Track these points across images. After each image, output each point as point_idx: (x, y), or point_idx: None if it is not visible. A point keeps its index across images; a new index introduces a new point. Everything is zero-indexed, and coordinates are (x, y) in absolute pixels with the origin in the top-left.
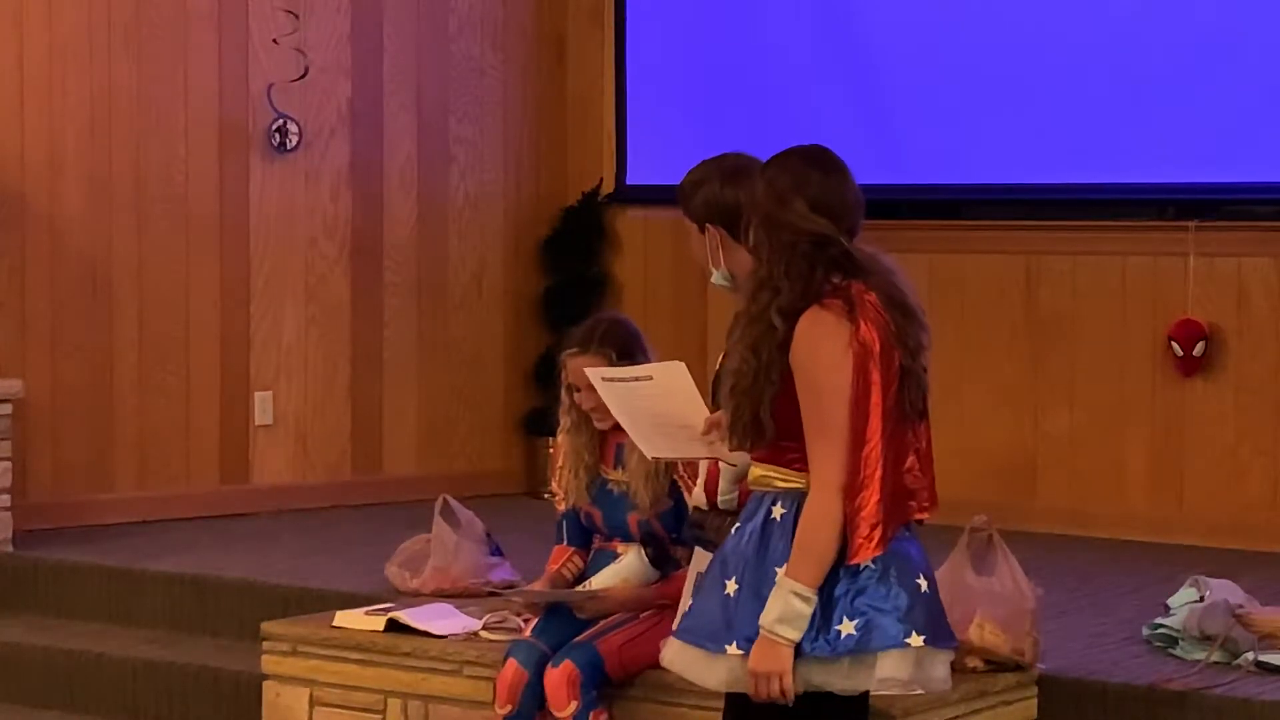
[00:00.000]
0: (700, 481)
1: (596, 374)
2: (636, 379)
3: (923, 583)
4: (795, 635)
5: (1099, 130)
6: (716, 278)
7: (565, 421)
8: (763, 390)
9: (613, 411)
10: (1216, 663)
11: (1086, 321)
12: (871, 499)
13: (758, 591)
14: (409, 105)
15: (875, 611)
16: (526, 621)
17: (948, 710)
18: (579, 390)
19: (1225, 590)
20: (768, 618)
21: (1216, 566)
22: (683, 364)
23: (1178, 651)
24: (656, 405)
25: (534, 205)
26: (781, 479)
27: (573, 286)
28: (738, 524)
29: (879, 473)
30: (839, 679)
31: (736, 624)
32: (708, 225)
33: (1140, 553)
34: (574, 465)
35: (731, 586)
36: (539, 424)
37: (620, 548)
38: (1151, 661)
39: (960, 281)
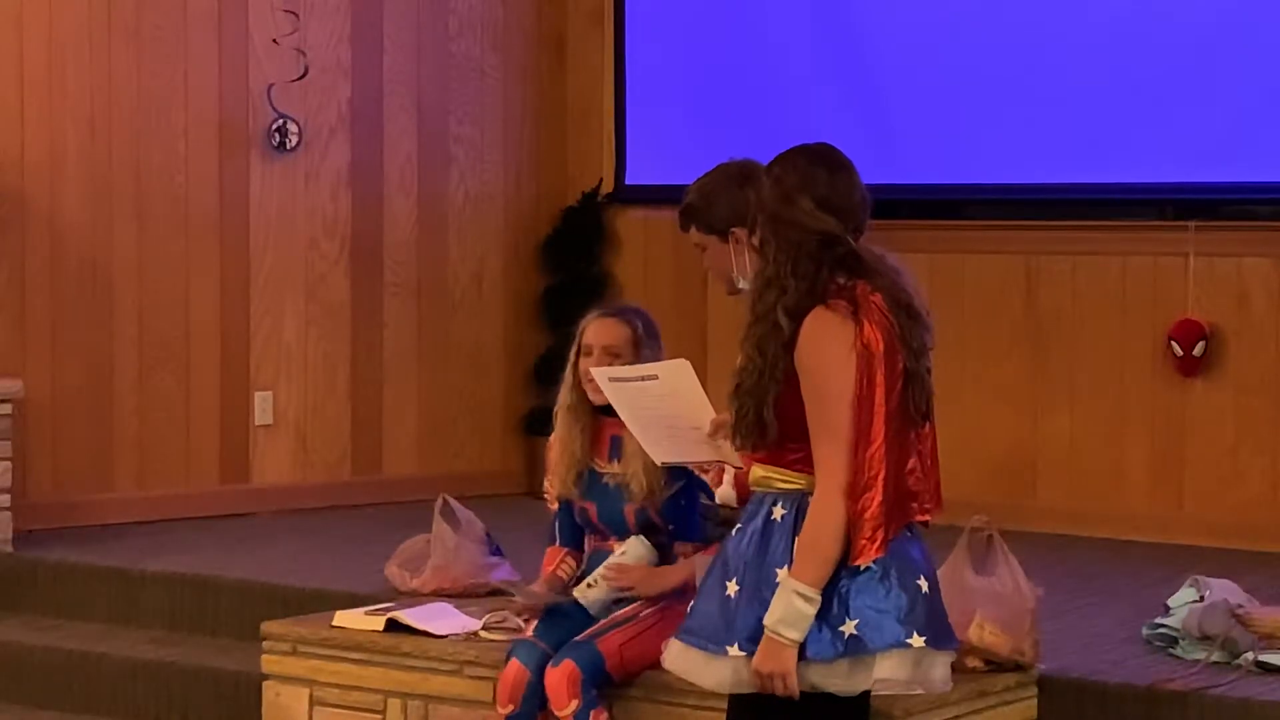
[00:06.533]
0: (729, 478)
1: (603, 375)
2: (644, 378)
3: (924, 583)
4: (798, 635)
5: (1098, 130)
6: (744, 284)
7: (565, 398)
8: (767, 389)
9: (622, 416)
10: (1216, 663)
11: (1086, 321)
12: (875, 500)
13: (758, 592)
14: (409, 105)
15: (875, 612)
16: (527, 621)
17: (948, 710)
18: (589, 355)
19: (1225, 590)
20: (771, 618)
21: (1216, 566)
22: (687, 362)
23: (1178, 651)
24: (664, 405)
25: (534, 205)
26: (782, 480)
27: (573, 286)
28: (739, 525)
29: (883, 474)
30: (838, 679)
31: (737, 625)
32: (733, 230)
33: (1140, 553)
34: (566, 448)
35: (732, 588)
36: (539, 424)
37: (617, 547)
38: (1151, 661)
39: (960, 281)
